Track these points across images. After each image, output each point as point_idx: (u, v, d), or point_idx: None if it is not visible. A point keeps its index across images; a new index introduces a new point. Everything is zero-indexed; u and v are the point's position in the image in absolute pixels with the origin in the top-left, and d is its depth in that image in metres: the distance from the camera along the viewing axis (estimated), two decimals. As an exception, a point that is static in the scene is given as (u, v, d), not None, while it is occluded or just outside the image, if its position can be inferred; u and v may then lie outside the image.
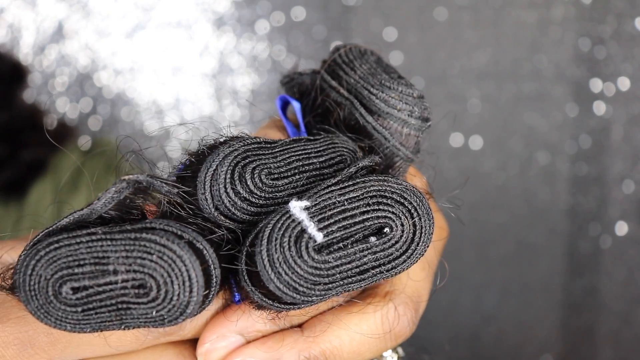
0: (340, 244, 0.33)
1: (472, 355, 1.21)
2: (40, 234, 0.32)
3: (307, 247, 0.33)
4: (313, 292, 0.33)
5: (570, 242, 1.19)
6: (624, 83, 1.14)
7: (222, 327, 0.35)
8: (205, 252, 0.32)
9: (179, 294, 0.31)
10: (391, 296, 0.39)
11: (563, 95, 1.15)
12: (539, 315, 1.20)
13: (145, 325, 0.32)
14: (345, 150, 0.36)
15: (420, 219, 0.35)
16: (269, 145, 0.35)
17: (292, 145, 0.36)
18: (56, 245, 0.31)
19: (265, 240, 0.32)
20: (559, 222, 1.18)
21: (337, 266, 0.33)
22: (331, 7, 1.15)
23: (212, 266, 0.32)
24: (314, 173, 0.35)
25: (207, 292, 0.32)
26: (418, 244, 0.35)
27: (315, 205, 0.33)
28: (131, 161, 0.36)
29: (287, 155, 0.35)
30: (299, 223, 0.33)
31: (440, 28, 1.14)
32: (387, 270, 0.34)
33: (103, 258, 0.31)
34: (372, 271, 0.34)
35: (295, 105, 0.40)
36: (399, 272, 0.35)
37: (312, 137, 0.36)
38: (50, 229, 0.32)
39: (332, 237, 0.33)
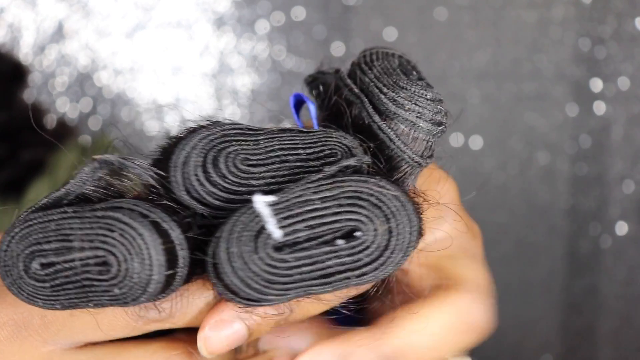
0: (305, 244, 0.31)
1: (472, 355, 1.21)
2: (22, 214, 0.33)
3: (265, 244, 0.31)
4: (269, 291, 0.31)
5: (570, 242, 1.19)
6: (624, 83, 1.14)
7: (220, 311, 0.35)
8: (170, 231, 0.31)
9: (139, 272, 0.31)
10: (466, 286, 0.36)
11: (563, 95, 1.15)
12: (539, 315, 1.20)
13: (111, 304, 0.32)
14: (338, 144, 0.34)
15: (397, 225, 0.32)
16: (252, 132, 0.34)
17: (278, 134, 0.34)
18: (30, 222, 0.32)
19: (226, 233, 0.31)
20: (559, 222, 1.18)
21: (297, 267, 0.31)
22: (331, 7, 1.14)
23: (178, 247, 0.31)
24: (298, 164, 0.33)
25: (172, 272, 0.31)
26: (393, 251, 0.32)
27: (284, 201, 0.32)
28: (116, 145, 0.36)
29: (270, 144, 0.34)
30: (262, 218, 0.31)
31: (440, 28, 1.14)
32: (357, 277, 0.32)
33: (69, 235, 0.31)
34: (338, 276, 0.32)
35: (311, 107, 0.38)
36: (371, 281, 0.32)
37: (305, 129, 0.35)
38: (31, 209, 0.33)
39: (296, 235, 0.31)
